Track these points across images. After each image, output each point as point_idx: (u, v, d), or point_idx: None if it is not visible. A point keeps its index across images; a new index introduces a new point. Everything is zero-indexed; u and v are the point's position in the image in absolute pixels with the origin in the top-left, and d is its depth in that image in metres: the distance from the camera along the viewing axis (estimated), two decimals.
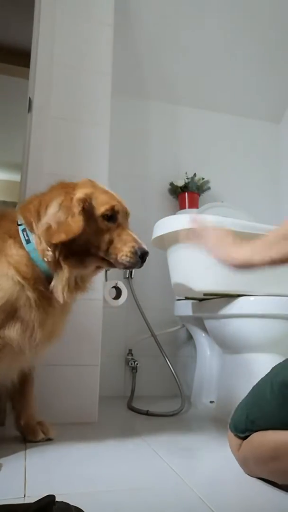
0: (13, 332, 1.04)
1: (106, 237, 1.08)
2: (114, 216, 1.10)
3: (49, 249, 1.05)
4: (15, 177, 4.75)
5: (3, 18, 2.63)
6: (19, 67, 2.83)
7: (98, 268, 1.16)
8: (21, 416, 1.22)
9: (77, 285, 1.11)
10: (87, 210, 1.06)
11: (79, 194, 1.07)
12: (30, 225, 1.09)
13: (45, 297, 1.07)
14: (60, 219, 1.03)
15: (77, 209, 1.04)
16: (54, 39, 1.64)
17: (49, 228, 1.03)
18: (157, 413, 1.61)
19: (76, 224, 1.02)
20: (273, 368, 1.01)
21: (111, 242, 1.09)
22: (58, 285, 1.06)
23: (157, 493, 0.89)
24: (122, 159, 2.19)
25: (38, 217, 1.08)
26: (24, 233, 1.09)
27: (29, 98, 1.65)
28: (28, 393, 1.24)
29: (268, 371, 1.02)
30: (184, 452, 1.20)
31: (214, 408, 1.68)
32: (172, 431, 1.40)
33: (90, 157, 1.61)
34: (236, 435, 1.02)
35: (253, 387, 1.04)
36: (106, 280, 1.72)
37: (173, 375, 1.86)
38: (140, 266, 1.10)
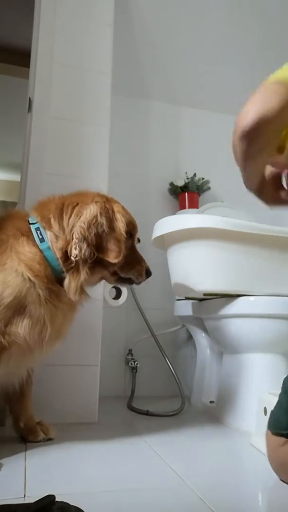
0: (21, 329, 1.03)
1: (127, 253, 1.17)
2: (132, 234, 1.20)
3: (77, 247, 1.07)
4: (15, 177, 4.76)
5: (3, 18, 2.63)
6: (19, 67, 2.83)
7: (102, 279, 1.22)
8: (20, 417, 1.21)
9: (82, 289, 1.12)
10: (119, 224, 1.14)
11: (117, 205, 1.16)
12: (47, 222, 1.10)
13: (55, 295, 1.08)
14: (103, 224, 1.08)
15: (123, 227, 1.12)
16: (54, 39, 1.64)
17: (91, 230, 1.07)
18: (157, 413, 1.61)
19: (121, 249, 1.11)
20: None
21: (127, 258, 1.16)
22: (72, 286, 1.09)
23: (157, 493, 0.89)
24: (122, 159, 2.19)
25: (61, 216, 1.10)
26: (38, 231, 1.10)
27: (29, 98, 1.65)
28: (27, 395, 1.23)
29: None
30: (184, 452, 1.20)
31: (214, 408, 1.68)
32: (172, 431, 1.40)
33: (90, 157, 1.61)
34: (277, 433, 0.97)
35: None
36: None
37: (173, 375, 1.86)
38: (140, 283, 1.24)
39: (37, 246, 1.09)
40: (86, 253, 1.07)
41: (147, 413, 1.62)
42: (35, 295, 1.05)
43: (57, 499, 0.69)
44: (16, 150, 3.40)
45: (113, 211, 1.12)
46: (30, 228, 1.11)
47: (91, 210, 1.08)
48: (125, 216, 1.16)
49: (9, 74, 2.99)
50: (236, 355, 1.58)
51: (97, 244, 1.09)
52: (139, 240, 2.14)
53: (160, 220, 1.69)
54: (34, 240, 1.09)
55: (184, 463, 1.09)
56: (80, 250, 1.07)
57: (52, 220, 1.10)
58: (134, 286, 2.07)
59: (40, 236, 1.09)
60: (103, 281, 1.62)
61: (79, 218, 1.08)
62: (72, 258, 1.07)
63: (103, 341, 1.55)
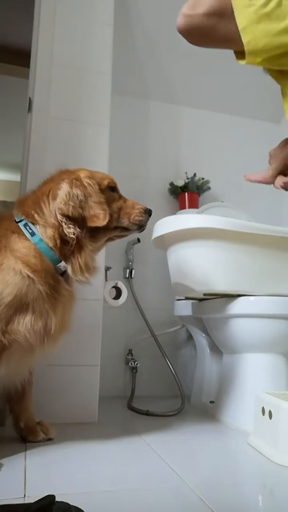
0: (22, 326, 1.04)
1: (116, 206, 1.20)
2: (115, 188, 1.23)
3: (69, 225, 1.10)
4: (15, 177, 4.76)
5: (3, 18, 2.63)
6: (19, 67, 2.83)
7: (108, 240, 1.26)
8: (21, 417, 1.21)
9: (90, 265, 1.15)
10: (93, 187, 1.15)
11: (81, 173, 1.17)
12: (31, 217, 1.12)
13: (54, 288, 1.09)
14: (78, 196, 1.10)
15: (96, 188, 1.14)
16: (54, 39, 1.64)
17: (67, 206, 1.09)
18: (157, 413, 1.61)
19: (106, 207, 1.14)
20: None
21: (120, 209, 1.21)
22: (76, 267, 1.12)
23: (157, 493, 0.89)
24: (122, 159, 2.19)
25: (40, 207, 1.12)
26: (27, 227, 1.11)
27: (29, 98, 1.65)
28: (27, 395, 1.23)
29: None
30: (184, 452, 1.20)
31: (213, 408, 1.68)
32: (172, 431, 1.40)
33: (90, 157, 1.61)
34: None
35: None
36: (106, 280, 1.72)
37: (173, 375, 1.86)
38: (146, 223, 1.25)
39: (29, 240, 1.10)
40: (77, 229, 1.10)
41: (147, 413, 1.62)
42: (36, 291, 1.05)
43: (57, 499, 0.69)
44: (16, 150, 3.41)
45: (81, 179, 1.14)
46: (18, 226, 1.13)
47: (62, 188, 1.11)
48: (94, 177, 1.18)
49: (9, 74, 2.98)
50: (236, 355, 1.58)
51: (81, 215, 1.11)
52: (139, 240, 2.14)
53: (160, 220, 1.69)
54: (25, 236, 1.11)
55: (184, 463, 1.09)
56: (72, 227, 1.10)
57: (35, 214, 1.12)
58: (134, 286, 2.08)
59: (30, 231, 1.11)
60: (103, 281, 1.63)
61: (56, 201, 1.10)
62: (72, 237, 1.10)
63: (103, 341, 1.55)
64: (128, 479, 0.97)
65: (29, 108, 1.63)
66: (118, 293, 1.77)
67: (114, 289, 1.77)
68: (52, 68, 1.62)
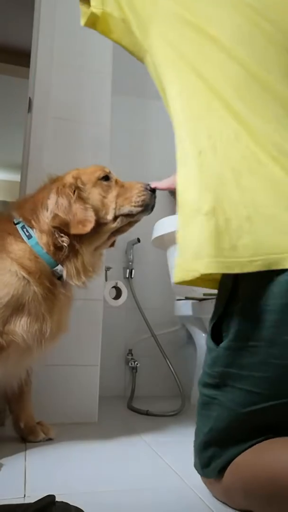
0: (19, 327, 1.04)
1: (112, 195, 1.15)
2: (108, 176, 1.17)
3: (61, 235, 1.09)
4: (15, 177, 4.77)
5: (3, 18, 2.63)
6: (19, 67, 2.83)
7: (117, 233, 1.20)
8: (21, 417, 1.21)
9: (86, 269, 1.13)
10: (81, 189, 1.13)
11: (67, 178, 1.14)
12: (29, 221, 1.12)
13: (50, 289, 1.09)
14: (63, 205, 1.08)
15: (71, 191, 1.10)
16: (54, 39, 1.64)
17: (55, 216, 1.08)
18: (157, 413, 1.61)
19: (90, 212, 1.09)
20: None
21: (118, 196, 1.15)
22: (72, 271, 1.10)
23: (157, 493, 0.89)
24: (122, 159, 2.19)
25: (36, 215, 1.11)
26: (24, 229, 1.11)
27: (29, 98, 1.65)
28: (26, 395, 1.23)
29: None
30: (184, 452, 1.20)
31: None
32: (172, 431, 1.40)
33: (90, 157, 1.60)
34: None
35: None
36: (106, 280, 1.72)
37: (173, 375, 1.86)
38: (154, 202, 1.16)
39: (25, 243, 1.10)
40: (70, 236, 1.09)
41: (147, 413, 1.62)
42: (31, 292, 1.05)
43: (57, 499, 0.69)
44: (16, 150, 3.41)
45: (64, 186, 1.12)
46: (15, 227, 1.13)
47: (51, 198, 1.10)
48: (84, 174, 1.16)
49: (9, 74, 2.99)
50: None
51: (67, 224, 1.08)
52: (139, 240, 2.14)
53: (160, 220, 1.69)
54: (21, 238, 1.11)
55: (184, 463, 1.08)
56: (64, 235, 1.09)
57: (32, 221, 1.12)
58: (134, 286, 2.08)
59: (27, 233, 1.11)
60: (103, 281, 1.63)
61: (47, 212, 1.10)
62: (64, 245, 1.09)
63: (103, 341, 1.55)
64: (128, 479, 0.97)
65: (29, 108, 1.63)
66: (118, 293, 1.78)
67: (114, 289, 1.77)
68: (52, 68, 1.62)
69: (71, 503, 0.70)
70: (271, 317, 0.76)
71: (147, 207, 1.16)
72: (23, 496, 0.84)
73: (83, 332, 1.49)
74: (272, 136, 0.82)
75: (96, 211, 1.12)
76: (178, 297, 2.01)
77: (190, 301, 1.87)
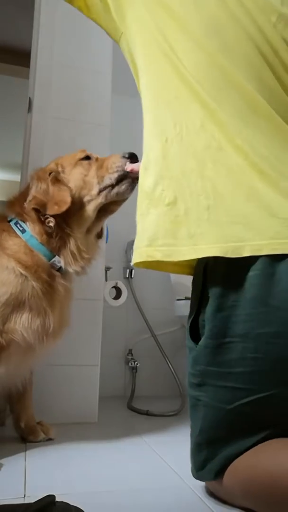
0: (19, 325, 1.04)
1: (92, 170, 1.16)
2: (89, 157, 1.19)
3: (46, 216, 1.10)
4: (15, 177, 4.76)
5: (3, 18, 2.63)
6: (19, 67, 2.83)
7: (108, 213, 1.21)
8: (21, 417, 1.21)
9: (82, 254, 1.14)
10: (61, 172, 1.16)
11: (49, 165, 1.20)
12: (21, 216, 1.13)
13: (48, 282, 1.09)
14: (41, 188, 1.12)
15: (47, 177, 1.13)
16: (54, 39, 1.64)
17: (33, 198, 1.11)
18: (157, 413, 1.61)
19: (65, 193, 1.11)
20: None
21: (97, 169, 1.16)
22: (69, 257, 1.11)
23: (157, 493, 0.89)
24: None
25: (25, 207, 1.13)
26: (18, 225, 1.13)
27: (29, 98, 1.65)
28: (27, 394, 1.23)
29: None
30: (184, 452, 1.20)
31: None
32: (172, 431, 1.40)
33: None
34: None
35: None
36: (106, 280, 1.72)
37: (173, 375, 1.86)
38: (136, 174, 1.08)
39: (19, 237, 1.11)
40: (51, 218, 1.10)
41: (147, 413, 1.62)
42: (30, 288, 1.06)
43: (57, 499, 0.69)
44: (16, 150, 3.41)
45: (45, 172, 1.16)
46: (9, 225, 1.14)
47: (33, 185, 1.14)
48: (64, 160, 1.19)
49: (9, 74, 2.99)
50: None
51: (45, 204, 1.10)
52: None
53: None
54: (15, 233, 1.12)
55: (184, 463, 1.08)
56: (48, 217, 1.10)
57: (23, 214, 1.14)
58: (134, 286, 2.08)
59: (21, 228, 1.12)
60: (103, 281, 1.63)
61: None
62: (50, 225, 1.10)
63: (103, 341, 1.55)
64: (128, 479, 0.97)
65: (29, 108, 1.63)
66: (118, 293, 1.78)
67: (114, 289, 1.77)
68: (52, 68, 1.62)
69: (71, 503, 0.70)
70: (242, 312, 0.76)
71: (125, 177, 1.15)
72: (23, 496, 0.84)
73: (83, 332, 1.49)
74: (237, 125, 0.83)
75: (79, 189, 1.14)
76: (178, 297, 2.01)
77: (190, 301, 1.86)
